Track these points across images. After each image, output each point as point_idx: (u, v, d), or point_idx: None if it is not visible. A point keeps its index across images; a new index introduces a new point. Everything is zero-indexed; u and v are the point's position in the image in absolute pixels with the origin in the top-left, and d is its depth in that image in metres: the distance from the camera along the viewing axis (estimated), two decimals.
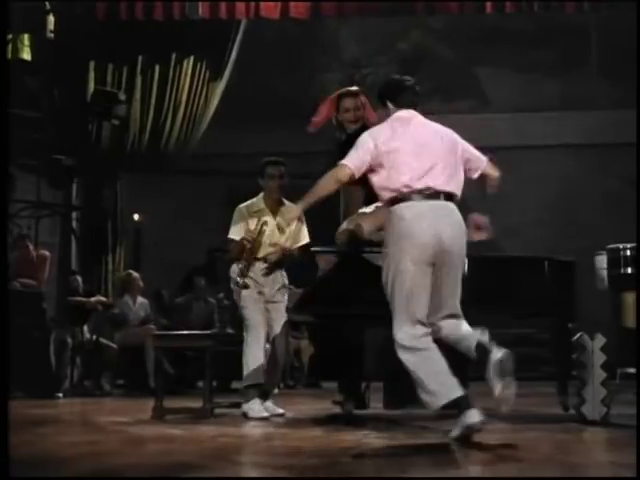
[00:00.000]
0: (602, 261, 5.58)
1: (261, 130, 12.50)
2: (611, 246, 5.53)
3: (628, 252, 5.42)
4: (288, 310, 6.19)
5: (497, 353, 4.50)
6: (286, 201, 6.37)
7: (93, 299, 9.63)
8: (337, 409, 5.97)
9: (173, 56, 11.19)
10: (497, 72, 13.91)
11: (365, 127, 5.33)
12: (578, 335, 5.42)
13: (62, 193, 11.06)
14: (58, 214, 11.05)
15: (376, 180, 4.81)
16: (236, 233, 6.40)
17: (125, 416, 6.39)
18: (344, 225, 5.66)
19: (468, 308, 5.71)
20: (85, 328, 9.53)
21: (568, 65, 13.73)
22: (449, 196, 4.75)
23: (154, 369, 8.27)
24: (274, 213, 6.34)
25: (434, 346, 4.63)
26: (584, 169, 13.07)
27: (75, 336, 9.22)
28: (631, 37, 10.31)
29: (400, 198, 4.72)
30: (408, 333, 4.60)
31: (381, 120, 5.00)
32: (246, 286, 6.27)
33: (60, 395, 8.60)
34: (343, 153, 5.05)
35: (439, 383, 4.55)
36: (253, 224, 6.36)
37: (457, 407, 4.50)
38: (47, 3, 10.53)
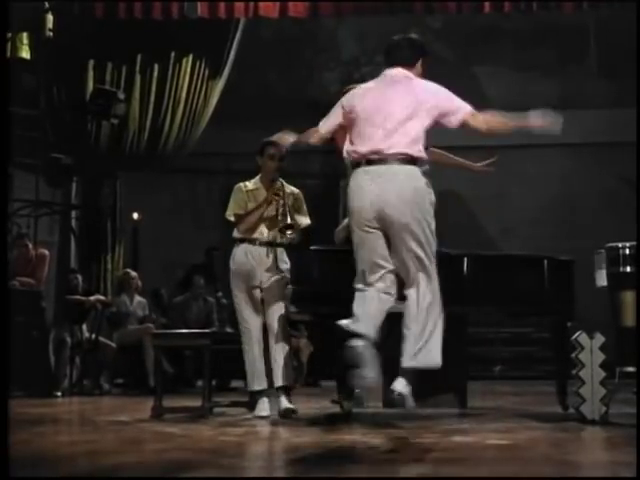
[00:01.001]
0: (601, 260, 5.57)
1: (260, 129, 12.44)
2: (610, 244, 5.53)
3: (627, 250, 5.41)
4: (286, 309, 6.09)
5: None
6: (283, 182, 6.33)
7: (92, 298, 9.60)
8: (336, 408, 5.98)
9: (172, 55, 11.16)
10: (495, 71, 13.89)
11: None
12: (577, 334, 5.42)
13: (61, 192, 11.05)
14: (57, 213, 11.04)
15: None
16: (238, 208, 6.21)
17: (124, 415, 6.39)
18: (344, 223, 5.66)
19: (468, 307, 5.74)
20: (84, 327, 9.52)
21: (566, 64, 13.73)
22: (402, 159, 4.75)
23: (153, 368, 8.27)
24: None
25: None
26: (582, 168, 13.07)
27: (74, 335, 9.21)
28: (630, 36, 10.30)
29: (354, 164, 4.81)
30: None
31: None
32: (293, 234, 5.98)
33: (59, 394, 8.59)
34: None
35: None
36: (250, 203, 6.20)
37: None
38: (46, 2, 10.50)
